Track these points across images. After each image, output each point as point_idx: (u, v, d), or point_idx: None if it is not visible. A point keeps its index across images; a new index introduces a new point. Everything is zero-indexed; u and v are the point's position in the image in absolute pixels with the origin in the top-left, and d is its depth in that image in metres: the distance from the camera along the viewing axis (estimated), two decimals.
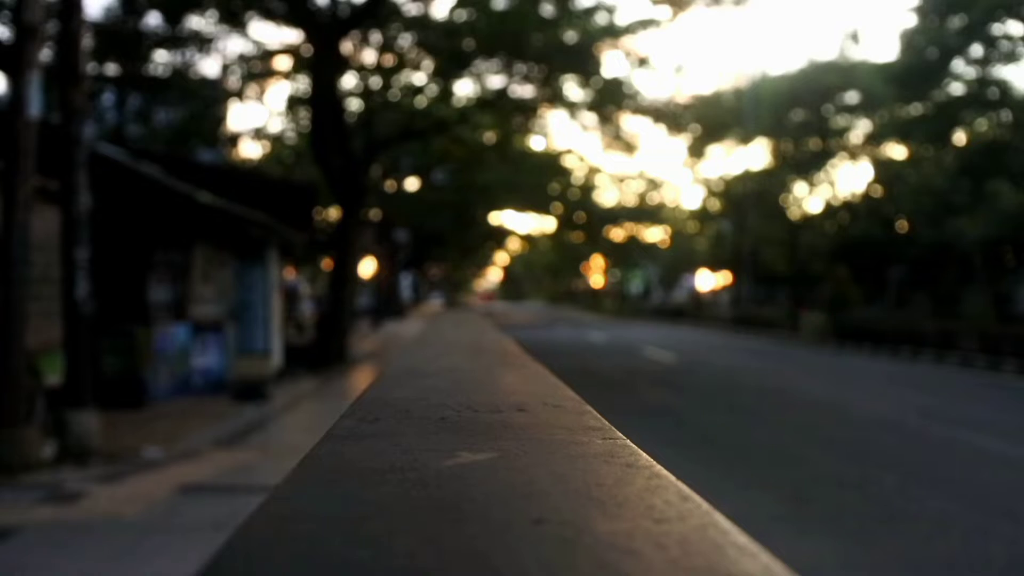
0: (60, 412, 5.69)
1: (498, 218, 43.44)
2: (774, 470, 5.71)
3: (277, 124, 21.97)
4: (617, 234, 46.65)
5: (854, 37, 26.25)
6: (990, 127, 22.20)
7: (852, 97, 24.01)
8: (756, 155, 29.03)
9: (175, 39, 15.63)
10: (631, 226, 45.26)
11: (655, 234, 48.03)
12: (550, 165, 23.66)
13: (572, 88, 17.52)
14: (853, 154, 27.50)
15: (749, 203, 27.86)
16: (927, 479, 5.43)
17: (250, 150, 21.30)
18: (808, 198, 27.84)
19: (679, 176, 44.64)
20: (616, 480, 0.59)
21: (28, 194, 5.25)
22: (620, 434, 0.72)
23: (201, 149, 18.03)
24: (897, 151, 26.44)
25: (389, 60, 19.13)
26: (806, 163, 24.57)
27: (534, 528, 0.47)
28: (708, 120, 18.52)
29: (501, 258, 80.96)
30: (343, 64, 13.57)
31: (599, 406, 0.90)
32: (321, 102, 12.73)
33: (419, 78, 19.66)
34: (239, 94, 19.12)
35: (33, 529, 3.85)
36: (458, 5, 16.17)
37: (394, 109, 20.24)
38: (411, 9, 16.34)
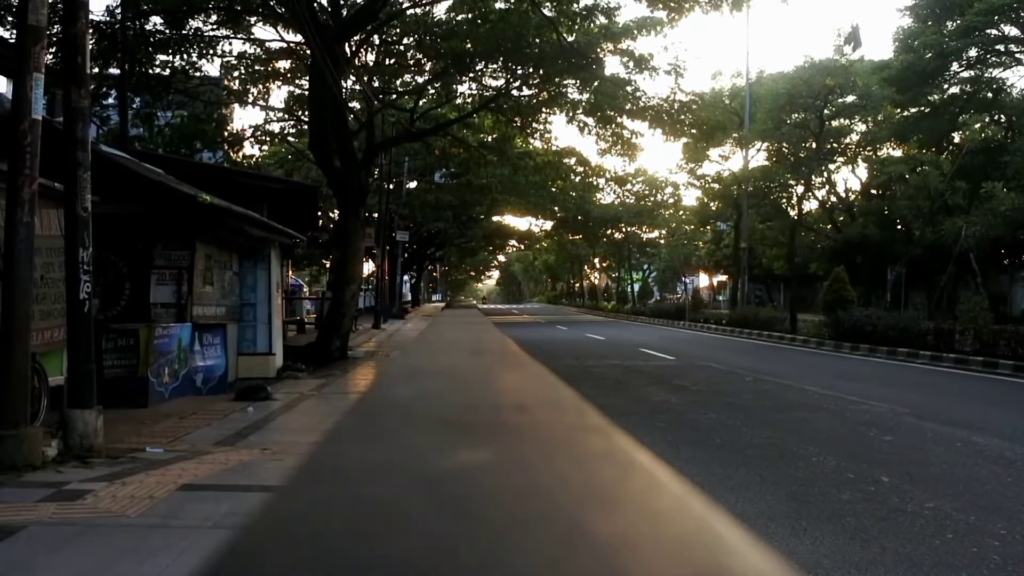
0: (63, 411, 5.71)
1: (498, 219, 43.43)
2: (772, 469, 5.72)
3: (278, 124, 21.99)
4: (616, 234, 46.65)
5: (852, 38, 26.19)
6: (982, 127, 22.21)
7: (849, 97, 24.03)
8: (754, 155, 29.06)
9: (177, 40, 15.66)
10: (630, 227, 45.26)
11: (654, 234, 48.03)
12: (550, 166, 23.66)
13: (571, 91, 17.52)
14: (850, 155, 27.50)
15: (747, 204, 27.85)
16: (924, 478, 5.44)
17: (252, 150, 21.32)
18: (806, 198, 27.85)
19: (678, 176, 44.68)
20: (616, 479, 0.60)
21: (32, 194, 5.26)
22: (620, 433, 0.73)
23: (203, 150, 18.05)
24: (895, 151, 26.45)
25: (389, 62, 19.15)
26: (804, 163, 24.57)
27: (534, 528, 0.47)
28: (706, 121, 18.50)
29: (501, 259, 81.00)
30: (344, 66, 13.58)
31: (598, 405, 0.91)
32: (322, 103, 12.74)
33: (419, 80, 19.68)
34: (241, 95, 19.15)
35: (36, 528, 3.86)
36: (457, 9, 16.19)
37: (394, 110, 20.26)
38: (413, 12, 16.36)
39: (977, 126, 22.05)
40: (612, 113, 17.24)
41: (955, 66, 24.37)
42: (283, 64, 18.64)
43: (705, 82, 69.00)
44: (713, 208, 35.22)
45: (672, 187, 42.57)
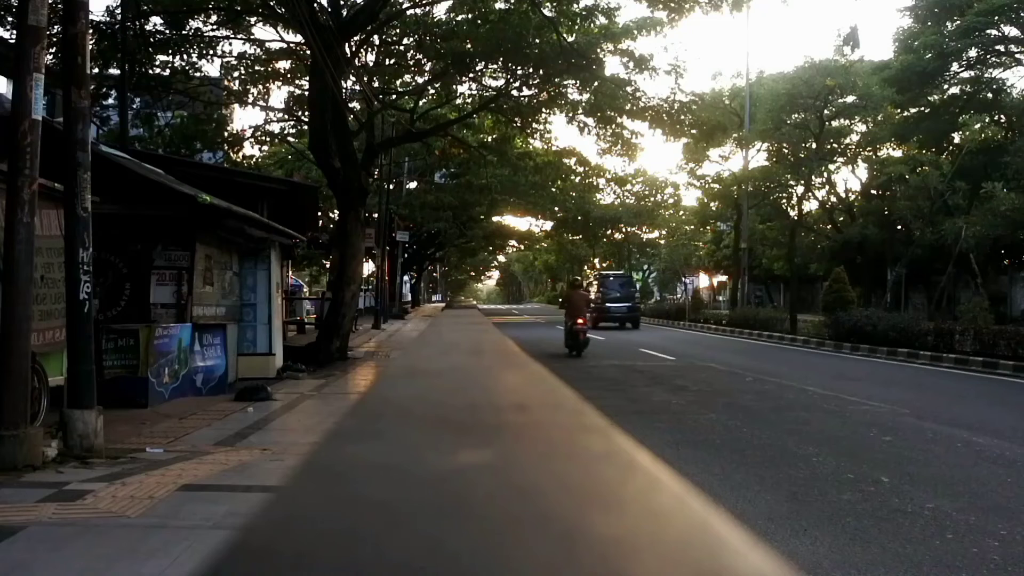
0: (63, 412, 5.71)
1: (498, 219, 43.44)
2: (772, 469, 5.72)
3: (278, 125, 21.99)
4: (616, 235, 46.64)
5: (850, 39, 26.20)
6: (982, 127, 22.21)
7: (849, 98, 24.06)
8: (754, 156, 29.06)
9: (177, 40, 15.66)
10: (630, 227, 45.28)
11: (654, 235, 48.04)
12: (550, 166, 23.68)
13: (571, 91, 17.52)
14: (850, 155, 27.50)
15: (747, 204, 27.86)
16: (924, 478, 5.44)
17: (252, 151, 21.33)
18: (806, 199, 27.86)
19: (678, 177, 44.87)
20: (616, 480, 0.60)
21: (32, 195, 5.26)
22: (619, 433, 0.73)
23: (203, 150, 18.05)
24: (895, 152, 26.46)
25: (389, 62, 19.14)
26: (804, 163, 24.59)
27: (534, 528, 0.47)
28: (706, 121, 18.50)
29: (501, 259, 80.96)
30: (343, 66, 13.58)
31: (598, 406, 0.91)
32: (322, 104, 12.74)
33: (419, 80, 19.68)
34: (241, 95, 19.14)
35: (36, 528, 3.86)
36: (457, 9, 16.18)
37: (394, 110, 20.26)
38: (413, 12, 16.35)
39: (977, 126, 22.05)
40: (612, 113, 17.24)
41: (955, 66, 24.38)
42: (283, 64, 18.64)
43: (705, 82, 68.95)
44: (713, 208, 35.20)
45: (672, 187, 42.61)
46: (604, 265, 58.67)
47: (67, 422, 5.56)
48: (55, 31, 10.48)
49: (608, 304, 27.55)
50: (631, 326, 27.34)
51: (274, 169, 23.62)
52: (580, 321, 15.46)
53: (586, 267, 63.45)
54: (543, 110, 18.54)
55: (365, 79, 17.50)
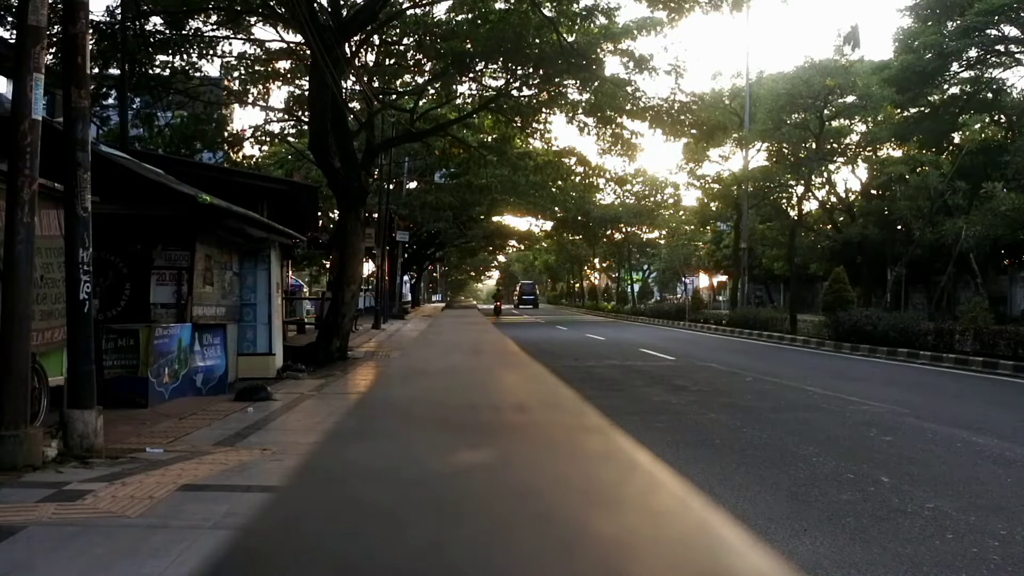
0: (63, 411, 5.71)
1: (498, 219, 43.44)
2: (772, 469, 5.72)
3: (278, 125, 21.98)
4: (616, 235, 46.66)
5: (851, 38, 26.19)
6: (982, 127, 22.19)
7: (849, 98, 24.05)
8: (754, 156, 29.06)
9: (177, 40, 15.66)
10: (630, 227, 45.28)
11: (654, 235, 48.06)
12: (550, 166, 23.68)
13: (571, 91, 17.52)
14: (850, 155, 27.49)
15: (747, 204, 27.85)
16: (924, 478, 5.44)
17: (252, 151, 21.33)
18: (806, 199, 27.86)
19: (678, 177, 44.92)
20: (616, 480, 0.60)
21: (32, 195, 5.26)
22: (620, 433, 0.73)
23: (203, 150, 18.05)
24: (895, 152, 26.46)
25: (389, 62, 19.14)
26: (804, 163, 24.58)
27: (534, 528, 0.47)
28: (706, 121, 18.50)
29: (501, 259, 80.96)
30: (344, 66, 13.57)
31: (598, 406, 0.91)
32: (322, 104, 12.74)
33: (419, 80, 19.68)
34: (241, 95, 19.14)
35: (36, 528, 3.86)
36: (457, 9, 16.18)
37: (394, 110, 20.26)
38: (413, 12, 16.35)
39: (977, 126, 22.04)
40: (612, 113, 17.25)
41: (955, 66, 24.37)
42: (283, 64, 18.65)
43: (705, 82, 69.01)
44: (713, 208, 35.19)
45: (672, 187, 42.62)
46: (604, 265, 59.22)
47: (67, 422, 5.56)
48: (55, 31, 10.48)
49: (524, 297, 62.58)
50: (534, 307, 59.27)
51: (274, 169, 23.61)
52: (499, 304, 39.77)
53: (585, 267, 63.49)
54: (543, 110, 18.54)
55: (365, 79, 17.49)
